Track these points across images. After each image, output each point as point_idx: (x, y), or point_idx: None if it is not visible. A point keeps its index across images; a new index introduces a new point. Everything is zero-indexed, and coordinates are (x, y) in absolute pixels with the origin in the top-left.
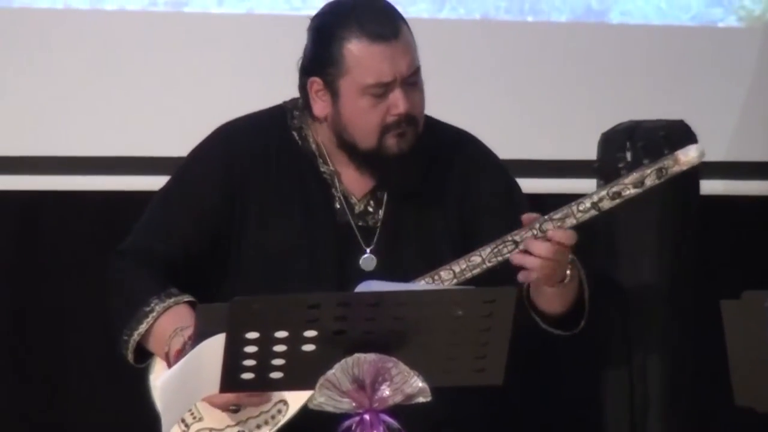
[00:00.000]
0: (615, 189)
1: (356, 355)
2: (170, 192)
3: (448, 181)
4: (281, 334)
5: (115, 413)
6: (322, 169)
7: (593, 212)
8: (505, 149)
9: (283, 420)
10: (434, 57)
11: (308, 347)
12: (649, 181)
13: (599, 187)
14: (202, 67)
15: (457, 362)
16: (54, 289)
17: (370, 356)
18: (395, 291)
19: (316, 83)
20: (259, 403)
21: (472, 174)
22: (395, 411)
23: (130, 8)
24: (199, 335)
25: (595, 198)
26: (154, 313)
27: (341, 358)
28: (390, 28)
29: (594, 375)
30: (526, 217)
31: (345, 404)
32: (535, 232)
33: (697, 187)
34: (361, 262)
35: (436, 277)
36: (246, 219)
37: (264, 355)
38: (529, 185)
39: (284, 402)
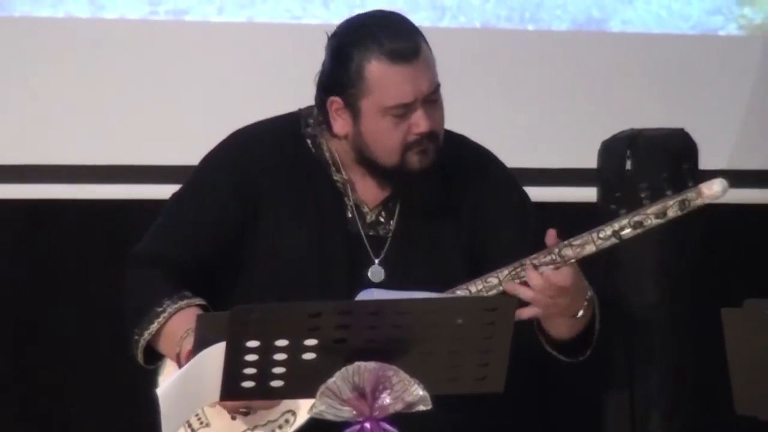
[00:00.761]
0: (637, 218)
1: (357, 363)
2: (185, 196)
3: (462, 197)
4: (282, 342)
5: (119, 418)
6: (335, 178)
7: (614, 240)
8: (505, 157)
9: (290, 430)
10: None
11: (309, 355)
12: (672, 212)
13: (621, 215)
14: (203, 75)
15: (458, 370)
16: (59, 297)
17: (371, 364)
18: (396, 299)
19: (336, 102)
20: (270, 406)
21: (486, 191)
22: (396, 419)
23: (131, 17)
24: (200, 343)
25: (617, 226)
26: (166, 314)
27: (342, 366)
28: (410, 47)
29: (595, 383)
30: (549, 238)
31: (346, 412)
32: (554, 257)
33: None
34: (369, 273)
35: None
36: (259, 225)
37: (264, 364)
38: (529, 193)
39: (292, 412)
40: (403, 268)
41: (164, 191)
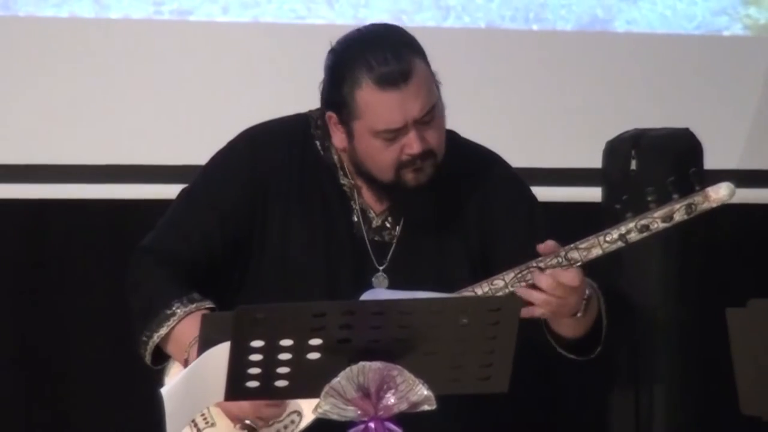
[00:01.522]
0: (643, 222)
1: (361, 363)
2: (195, 192)
3: (469, 203)
4: (286, 342)
5: (124, 417)
6: (342, 182)
7: (620, 244)
8: (510, 157)
9: (296, 430)
10: (439, 66)
11: (313, 355)
12: (678, 216)
13: (628, 219)
14: (208, 75)
15: (462, 370)
16: (60, 297)
17: (375, 364)
18: (400, 299)
19: (333, 118)
20: (278, 415)
21: (493, 194)
22: (401, 420)
23: (136, 17)
24: (205, 343)
25: (623, 230)
26: (176, 318)
27: (346, 366)
28: (401, 70)
29: (600, 383)
30: (543, 247)
31: (350, 412)
32: (560, 260)
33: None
34: (374, 279)
35: None
36: (268, 225)
37: (269, 364)
38: (534, 193)
39: (298, 413)
40: (408, 275)
41: (169, 191)
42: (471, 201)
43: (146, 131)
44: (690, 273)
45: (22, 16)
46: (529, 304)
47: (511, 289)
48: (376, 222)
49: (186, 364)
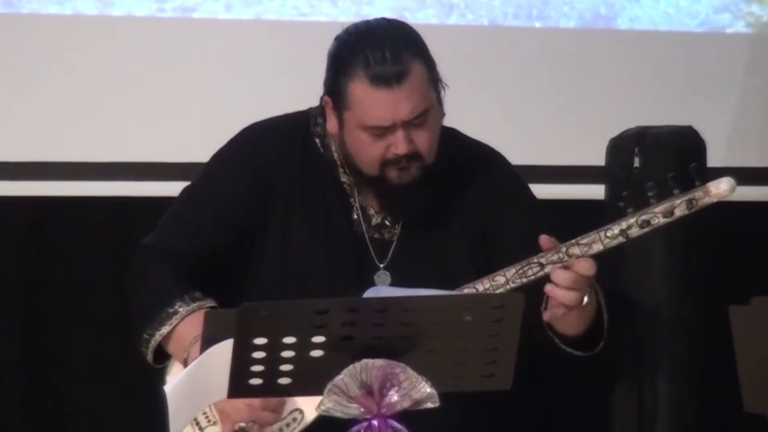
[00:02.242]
0: (644, 217)
1: (364, 360)
2: (197, 190)
3: (470, 200)
4: (289, 339)
5: (126, 415)
6: (342, 179)
7: (621, 239)
8: (513, 155)
9: (298, 428)
10: (442, 63)
11: (316, 353)
12: (679, 212)
13: (629, 214)
14: (210, 72)
15: (465, 367)
16: (62, 295)
17: (378, 362)
18: (403, 297)
19: (329, 103)
20: (274, 422)
21: (492, 191)
22: (404, 417)
23: (138, 14)
24: (207, 341)
25: (624, 225)
26: (178, 316)
27: (349, 363)
28: (396, 71)
29: (603, 381)
30: (544, 240)
31: (353, 410)
32: (561, 255)
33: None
34: (375, 278)
35: None
36: (270, 223)
37: (272, 361)
38: (536, 191)
39: (300, 411)
40: (409, 271)
41: (171, 188)
42: (472, 198)
43: (149, 128)
44: (693, 271)
45: (26, 13)
46: (529, 301)
47: (513, 285)
48: (375, 220)
49: (186, 363)
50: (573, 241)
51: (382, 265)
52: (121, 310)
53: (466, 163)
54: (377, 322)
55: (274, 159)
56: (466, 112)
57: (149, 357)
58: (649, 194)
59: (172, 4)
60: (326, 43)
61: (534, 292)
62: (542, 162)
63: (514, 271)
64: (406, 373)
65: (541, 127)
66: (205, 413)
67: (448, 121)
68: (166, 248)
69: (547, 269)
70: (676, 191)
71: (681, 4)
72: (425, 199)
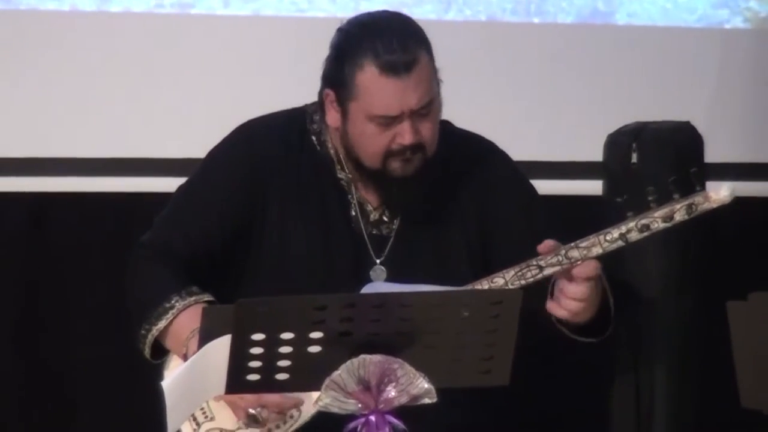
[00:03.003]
0: (644, 222)
1: (362, 356)
2: (193, 188)
3: (468, 195)
4: (287, 335)
5: (124, 411)
6: (339, 176)
7: (620, 243)
8: (510, 150)
9: (296, 425)
10: (440, 59)
11: (314, 348)
12: (679, 216)
13: (628, 218)
14: (208, 68)
15: (463, 363)
16: (61, 290)
17: (376, 357)
18: (401, 292)
19: (330, 95)
20: (279, 404)
21: (493, 187)
22: (401, 414)
23: (136, 10)
24: (205, 336)
25: (624, 229)
26: (174, 311)
27: (347, 359)
28: (405, 60)
29: (600, 377)
30: (542, 247)
31: (351, 405)
32: (560, 258)
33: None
34: (371, 272)
35: None
36: (266, 220)
37: (270, 357)
38: (535, 186)
39: (297, 408)
40: (406, 267)
41: (169, 184)
42: (470, 193)
43: (148, 124)
44: (691, 266)
45: (24, 9)
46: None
47: (511, 287)
48: (373, 216)
49: (185, 358)
50: (572, 244)
51: (378, 261)
52: (120, 306)
53: (464, 157)
54: (375, 318)
55: (270, 156)
56: (464, 108)
57: (146, 352)
58: (650, 198)
59: (171, 0)
60: (325, 39)
61: (540, 287)
62: (540, 157)
63: (513, 273)
64: (403, 368)
65: (538, 122)
66: (202, 409)
67: (446, 116)
68: (163, 246)
69: (547, 272)
70: (676, 196)
71: None
72: (425, 191)
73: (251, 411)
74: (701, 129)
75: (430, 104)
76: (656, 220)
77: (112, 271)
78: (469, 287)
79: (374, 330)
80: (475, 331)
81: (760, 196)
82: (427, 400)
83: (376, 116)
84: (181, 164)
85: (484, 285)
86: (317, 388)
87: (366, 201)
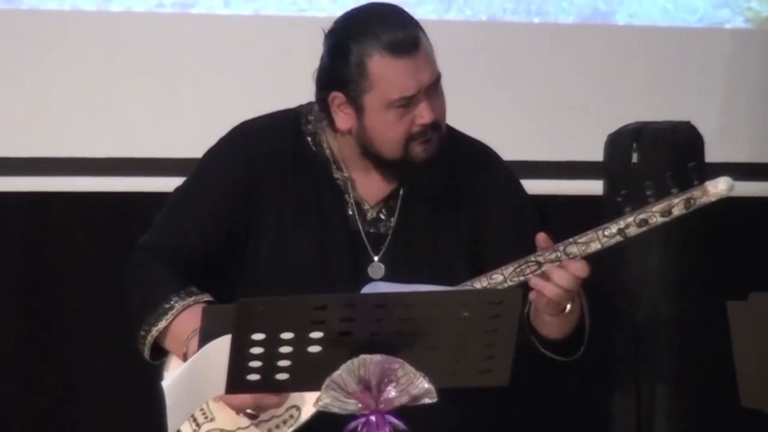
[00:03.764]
0: (642, 216)
1: (362, 356)
2: (190, 189)
3: (463, 194)
4: (287, 335)
5: (124, 412)
6: (335, 176)
7: (618, 238)
8: (511, 150)
9: (295, 425)
10: (441, 58)
11: (314, 348)
12: (677, 211)
13: (627, 213)
14: (209, 68)
15: (463, 363)
16: (61, 290)
17: (376, 357)
18: (401, 292)
19: (338, 98)
20: (278, 405)
21: (487, 189)
22: (401, 414)
23: (137, 9)
24: (206, 336)
25: (622, 224)
26: (174, 311)
27: (347, 359)
28: (410, 39)
29: (600, 378)
30: (541, 239)
31: (351, 405)
32: (559, 254)
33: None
34: (369, 270)
35: None
36: (263, 221)
37: (270, 357)
38: (535, 186)
39: (297, 407)
40: (404, 264)
41: (169, 183)
42: (465, 193)
43: (148, 124)
44: (691, 266)
45: (24, 9)
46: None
47: (511, 283)
48: (371, 214)
49: (185, 358)
50: (571, 240)
51: (376, 258)
52: (119, 306)
53: (461, 159)
54: (375, 318)
55: (265, 157)
56: (465, 107)
57: (146, 353)
58: (648, 193)
59: (171, 0)
60: None
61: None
62: (540, 157)
63: (511, 269)
64: (404, 368)
65: (539, 122)
66: (202, 409)
67: (447, 116)
68: (161, 248)
69: (545, 268)
70: (674, 190)
71: None
72: (444, 173)
73: (249, 411)
74: (701, 129)
75: (438, 80)
76: (654, 214)
77: (112, 271)
78: (468, 284)
79: (374, 330)
80: (475, 330)
81: (760, 196)
82: (427, 400)
83: (395, 100)
84: (181, 164)
85: (482, 282)
86: (317, 388)
87: (363, 200)
